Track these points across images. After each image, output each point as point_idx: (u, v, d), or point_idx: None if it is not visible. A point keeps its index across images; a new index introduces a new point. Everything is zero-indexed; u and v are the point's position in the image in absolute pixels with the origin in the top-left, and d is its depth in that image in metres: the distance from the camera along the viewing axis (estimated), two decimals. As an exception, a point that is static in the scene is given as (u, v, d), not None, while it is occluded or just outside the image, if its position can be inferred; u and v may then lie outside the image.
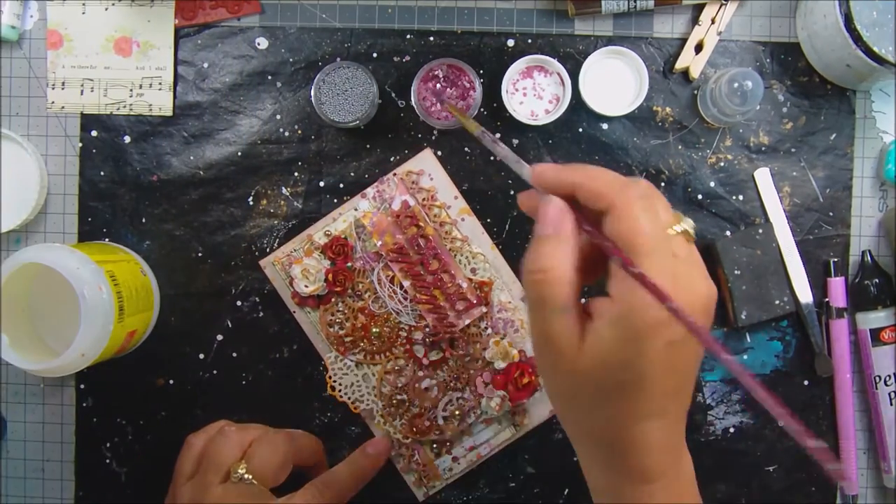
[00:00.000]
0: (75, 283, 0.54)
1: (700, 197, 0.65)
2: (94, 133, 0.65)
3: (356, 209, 0.64)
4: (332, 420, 0.65)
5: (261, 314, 0.65)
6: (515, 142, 0.65)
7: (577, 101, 0.64)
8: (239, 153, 0.65)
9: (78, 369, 0.56)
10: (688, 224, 0.43)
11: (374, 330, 0.63)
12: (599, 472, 0.45)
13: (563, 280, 0.42)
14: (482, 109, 0.65)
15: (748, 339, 0.65)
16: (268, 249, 0.65)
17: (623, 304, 0.40)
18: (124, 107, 0.65)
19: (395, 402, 0.63)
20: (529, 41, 0.65)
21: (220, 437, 0.58)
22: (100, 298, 0.55)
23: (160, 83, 0.65)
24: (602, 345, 0.41)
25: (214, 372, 0.65)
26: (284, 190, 0.65)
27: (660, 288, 0.38)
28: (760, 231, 0.63)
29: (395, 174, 0.64)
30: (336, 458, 0.65)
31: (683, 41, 0.65)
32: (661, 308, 0.39)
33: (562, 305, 0.42)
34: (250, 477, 0.56)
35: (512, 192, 0.65)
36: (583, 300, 0.42)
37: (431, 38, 0.65)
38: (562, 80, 0.63)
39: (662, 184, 0.65)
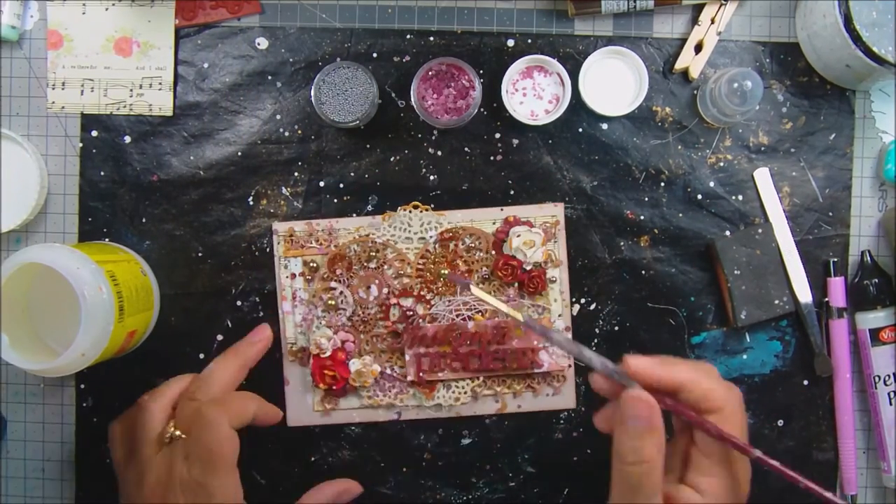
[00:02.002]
0: (75, 283, 0.54)
1: (700, 197, 0.65)
2: (94, 133, 0.65)
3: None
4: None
5: (261, 314, 0.65)
6: (515, 142, 0.65)
7: (576, 101, 0.64)
8: (239, 153, 0.65)
9: (78, 369, 0.56)
10: None
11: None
12: None
13: (658, 468, 0.48)
14: (482, 109, 0.65)
15: (748, 339, 0.65)
16: (267, 249, 0.65)
17: (709, 498, 0.49)
18: (124, 107, 0.65)
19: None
20: (529, 41, 0.65)
21: (138, 411, 0.58)
22: (100, 298, 0.55)
23: (160, 83, 0.65)
24: None
25: (214, 372, 0.65)
26: (284, 190, 0.65)
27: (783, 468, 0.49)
28: (760, 231, 0.63)
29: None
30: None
31: (683, 41, 0.65)
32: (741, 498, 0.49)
33: (655, 492, 0.48)
34: (179, 433, 0.56)
35: (512, 193, 0.65)
36: None
37: (431, 38, 0.65)
38: (562, 80, 0.63)
39: (662, 184, 0.65)
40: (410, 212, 0.64)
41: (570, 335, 0.64)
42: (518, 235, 0.63)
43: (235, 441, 0.55)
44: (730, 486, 0.49)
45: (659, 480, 0.48)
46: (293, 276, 0.64)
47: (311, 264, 0.64)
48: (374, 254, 0.64)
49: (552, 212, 0.65)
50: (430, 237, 0.64)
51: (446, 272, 0.63)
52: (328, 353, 0.63)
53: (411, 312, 0.63)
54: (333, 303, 0.63)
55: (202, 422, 0.54)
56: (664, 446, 0.49)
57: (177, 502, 0.54)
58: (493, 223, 0.64)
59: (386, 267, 0.64)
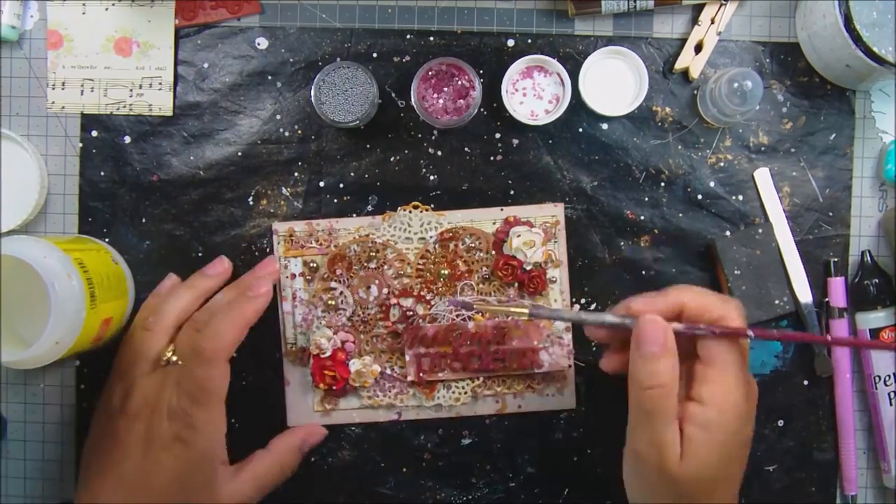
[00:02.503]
0: (43, 271, 0.54)
1: (700, 197, 0.65)
2: (94, 133, 0.65)
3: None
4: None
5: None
6: (515, 142, 0.65)
7: (576, 101, 0.64)
8: (239, 153, 0.65)
9: (55, 359, 0.56)
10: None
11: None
12: None
13: (674, 391, 0.50)
14: (482, 109, 0.65)
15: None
16: (267, 250, 0.65)
17: (716, 406, 0.49)
18: (124, 107, 0.65)
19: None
20: (529, 41, 0.65)
21: (144, 332, 0.60)
22: (69, 286, 0.55)
23: (160, 83, 0.65)
24: (699, 448, 0.49)
25: (214, 372, 0.65)
26: (284, 190, 0.65)
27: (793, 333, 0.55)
28: (760, 231, 0.63)
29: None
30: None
31: (683, 41, 0.65)
32: (744, 410, 0.50)
33: (671, 415, 0.49)
34: (176, 359, 0.58)
35: (512, 193, 0.65)
36: None
37: (431, 38, 0.65)
38: (562, 80, 0.63)
39: (662, 184, 0.65)
40: (410, 212, 0.64)
41: (570, 335, 0.64)
42: (518, 235, 0.63)
43: (226, 377, 0.56)
44: (731, 391, 0.50)
45: (674, 405, 0.50)
46: (293, 276, 0.64)
47: (311, 264, 0.64)
48: (374, 254, 0.64)
49: (552, 212, 0.65)
50: (430, 237, 0.64)
51: (446, 272, 0.63)
52: (328, 354, 0.63)
53: (411, 312, 0.63)
54: (333, 303, 0.63)
55: (199, 357, 0.55)
56: (678, 370, 0.50)
57: (160, 426, 0.55)
58: (494, 223, 0.64)
59: (386, 267, 0.64)
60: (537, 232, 0.63)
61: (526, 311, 0.54)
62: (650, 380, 0.50)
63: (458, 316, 0.63)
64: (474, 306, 0.57)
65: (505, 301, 0.63)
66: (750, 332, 0.50)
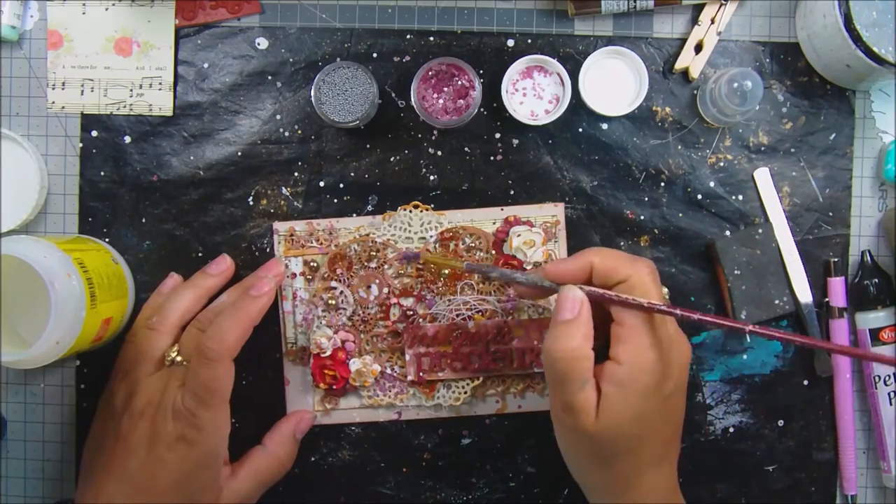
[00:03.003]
0: (43, 271, 0.54)
1: (700, 197, 0.65)
2: (94, 133, 0.65)
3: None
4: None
5: (261, 314, 0.65)
6: (515, 142, 0.65)
7: (576, 101, 0.64)
8: (239, 153, 0.65)
9: (55, 359, 0.56)
10: (665, 291, 0.56)
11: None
12: None
13: (584, 356, 0.51)
14: (482, 109, 0.65)
15: (748, 339, 0.65)
16: (267, 249, 0.65)
17: (631, 365, 0.51)
18: (124, 107, 0.65)
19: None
20: (529, 41, 0.65)
21: (148, 331, 0.60)
22: (69, 285, 0.55)
23: (160, 83, 0.65)
24: (615, 409, 0.50)
25: (214, 372, 0.65)
26: (284, 190, 0.65)
27: (686, 309, 0.51)
28: (760, 231, 0.64)
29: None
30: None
31: (683, 41, 0.65)
32: (660, 367, 0.50)
33: (584, 379, 0.50)
34: (181, 359, 0.58)
35: (512, 193, 0.65)
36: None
37: (431, 38, 0.65)
38: (562, 80, 0.63)
39: (662, 184, 0.65)
40: (411, 212, 0.64)
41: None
42: (518, 235, 0.63)
43: (231, 377, 0.56)
44: (643, 350, 0.51)
45: (587, 369, 0.51)
46: (294, 275, 0.64)
47: (312, 264, 0.64)
48: (374, 253, 0.64)
49: (552, 212, 0.65)
50: (431, 237, 0.64)
51: (446, 272, 0.63)
52: (328, 353, 0.63)
53: (411, 312, 0.63)
54: (334, 302, 0.63)
55: (204, 357, 0.55)
56: (591, 337, 0.51)
57: (165, 426, 0.55)
58: (494, 223, 0.64)
59: (386, 266, 0.64)
60: (537, 232, 0.63)
61: (462, 265, 0.58)
62: (562, 343, 0.51)
63: (458, 315, 0.63)
64: (420, 256, 0.60)
65: (504, 301, 0.64)
66: (650, 304, 0.51)
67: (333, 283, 0.64)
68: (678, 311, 0.51)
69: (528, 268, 0.63)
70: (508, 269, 0.61)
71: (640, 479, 0.52)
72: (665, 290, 0.55)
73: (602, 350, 0.53)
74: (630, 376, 0.50)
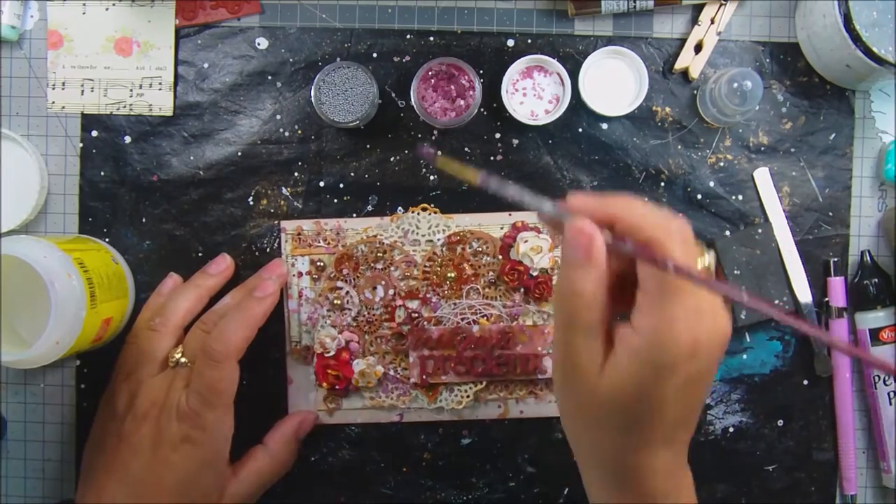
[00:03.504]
0: (43, 271, 0.54)
1: (700, 197, 0.65)
2: (94, 133, 0.65)
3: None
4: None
5: (262, 314, 0.65)
6: (515, 142, 0.65)
7: (576, 101, 0.64)
8: (239, 153, 0.65)
9: (55, 359, 0.56)
10: (709, 260, 0.45)
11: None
12: (604, 492, 0.47)
13: (594, 305, 0.43)
14: (482, 109, 0.65)
15: (748, 339, 0.65)
16: (268, 250, 0.65)
17: (646, 337, 0.42)
18: (124, 107, 0.65)
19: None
20: (529, 41, 0.65)
21: (150, 332, 0.60)
22: (69, 285, 0.55)
23: (160, 83, 0.65)
24: (622, 373, 0.43)
25: (214, 372, 0.65)
26: (284, 190, 0.65)
27: (719, 283, 0.41)
28: (760, 231, 0.64)
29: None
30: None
31: (683, 41, 0.65)
32: (685, 345, 0.41)
33: (589, 328, 0.44)
34: (185, 360, 0.58)
35: (512, 192, 0.65)
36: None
37: (431, 38, 0.65)
38: (562, 80, 0.63)
39: (662, 184, 0.65)
40: (419, 214, 0.64)
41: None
42: (525, 241, 0.63)
43: (236, 378, 0.56)
44: (667, 324, 0.42)
45: (596, 318, 0.44)
46: (300, 274, 0.64)
47: (318, 263, 0.64)
48: (381, 255, 0.64)
49: (560, 218, 0.65)
50: (438, 240, 0.64)
51: (453, 275, 0.63)
52: (332, 353, 0.63)
53: (416, 314, 0.63)
54: (339, 302, 0.63)
55: (209, 359, 0.55)
56: (604, 283, 0.44)
57: (169, 427, 0.55)
58: (501, 228, 0.64)
59: (393, 268, 0.64)
60: (545, 238, 0.63)
61: (478, 177, 0.48)
62: (570, 286, 0.44)
63: (463, 319, 0.63)
64: (436, 159, 0.51)
65: (510, 306, 0.64)
66: (671, 263, 0.41)
67: (339, 284, 0.64)
68: (704, 280, 0.41)
69: (535, 274, 0.63)
70: (518, 188, 0.49)
71: (637, 455, 0.45)
72: (707, 258, 0.45)
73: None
74: (645, 348, 0.42)
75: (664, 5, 0.64)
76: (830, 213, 0.65)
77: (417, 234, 0.64)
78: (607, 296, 0.44)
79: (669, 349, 0.42)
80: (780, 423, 0.65)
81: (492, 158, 0.65)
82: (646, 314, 0.43)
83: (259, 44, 0.65)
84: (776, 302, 0.63)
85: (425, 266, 0.64)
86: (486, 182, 0.48)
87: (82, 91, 0.65)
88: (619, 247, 0.44)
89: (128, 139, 0.65)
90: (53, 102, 0.65)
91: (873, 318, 0.64)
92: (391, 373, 0.64)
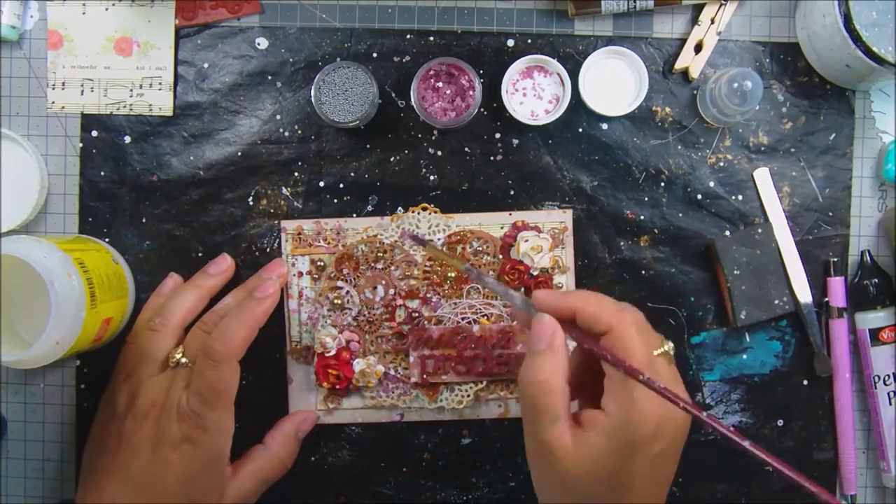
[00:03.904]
0: (43, 271, 0.54)
1: (699, 197, 0.65)
2: (94, 133, 0.65)
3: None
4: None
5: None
6: (515, 142, 0.65)
7: (576, 101, 0.64)
8: (239, 153, 0.65)
9: (55, 359, 0.56)
10: (668, 346, 0.50)
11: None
12: None
13: (557, 390, 0.48)
14: (482, 109, 0.65)
15: (748, 339, 0.65)
16: (268, 249, 0.65)
17: (616, 417, 0.47)
18: (124, 107, 0.65)
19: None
20: (529, 41, 0.65)
21: (151, 333, 0.60)
22: (69, 285, 0.55)
23: (160, 83, 0.65)
24: (594, 452, 0.47)
25: (215, 372, 0.65)
26: (284, 190, 0.65)
27: (669, 390, 0.45)
28: (760, 231, 0.64)
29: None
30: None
31: (683, 41, 0.65)
32: (651, 424, 0.46)
33: (555, 414, 0.48)
34: (186, 360, 0.58)
35: (512, 193, 0.65)
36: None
37: (431, 38, 0.65)
38: (562, 80, 0.63)
39: (662, 184, 0.65)
40: (419, 214, 0.64)
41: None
42: (526, 240, 0.63)
43: (237, 378, 0.57)
44: (634, 405, 0.46)
45: (559, 403, 0.48)
46: (300, 274, 0.64)
47: (319, 263, 0.64)
48: (381, 254, 0.64)
49: (560, 217, 0.65)
50: (438, 239, 0.64)
51: (453, 275, 0.63)
52: (332, 353, 0.63)
53: (417, 314, 0.63)
54: (339, 302, 0.63)
55: (210, 359, 0.55)
56: (565, 369, 0.49)
57: (170, 427, 0.55)
58: (502, 227, 0.64)
59: (393, 268, 0.64)
60: (545, 237, 0.63)
61: (462, 266, 0.55)
62: (532, 375, 0.48)
63: (463, 319, 0.63)
64: (426, 246, 0.57)
65: (510, 305, 0.64)
66: (630, 368, 0.46)
67: (340, 283, 0.64)
68: (658, 385, 0.45)
69: (536, 273, 0.63)
70: (505, 285, 0.57)
71: None
72: (669, 344, 0.50)
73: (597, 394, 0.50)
74: (615, 429, 0.47)
75: (664, 5, 0.64)
76: (830, 213, 0.65)
77: (418, 233, 0.64)
78: (569, 384, 0.49)
79: (638, 427, 0.46)
80: (780, 423, 0.65)
81: (492, 158, 0.65)
82: (614, 397, 0.47)
83: (259, 44, 0.65)
84: (776, 302, 0.63)
85: (425, 266, 0.64)
86: (468, 273, 0.55)
87: (82, 91, 0.65)
88: (582, 343, 0.49)
89: (128, 139, 0.65)
90: (53, 102, 0.65)
91: (873, 318, 0.64)
92: (391, 372, 0.64)
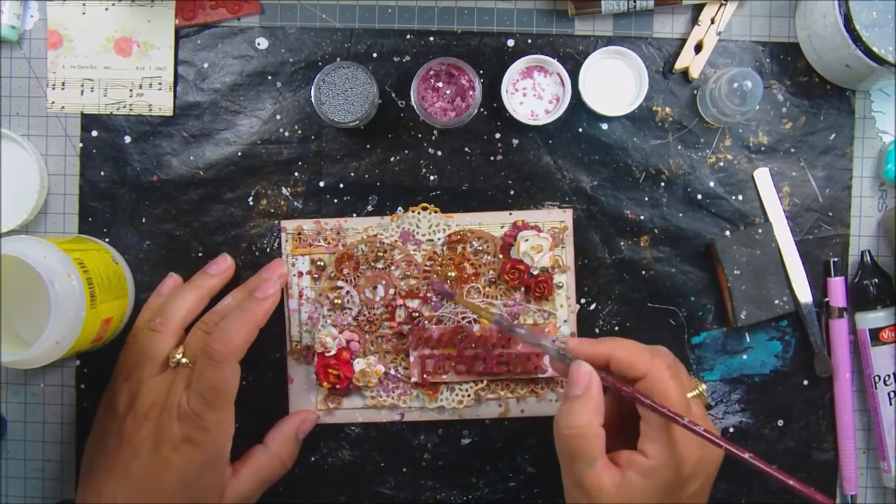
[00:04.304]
0: (42, 271, 0.54)
1: (700, 197, 0.65)
2: (94, 133, 0.65)
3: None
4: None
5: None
6: (515, 142, 0.65)
7: (577, 101, 0.64)
8: (239, 153, 0.65)
9: (55, 359, 0.56)
10: (702, 388, 0.54)
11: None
12: None
13: (594, 434, 0.50)
14: (482, 109, 0.65)
15: (748, 339, 0.65)
16: (268, 249, 0.65)
17: (659, 460, 0.50)
18: (124, 107, 0.65)
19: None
20: (529, 41, 0.65)
21: (151, 333, 0.60)
22: (69, 285, 0.55)
23: (160, 83, 0.65)
24: (635, 493, 0.49)
25: (215, 372, 0.65)
26: (284, 190, 0.65)
27: (710, 432, 0.48)
28: (760, 231, 0.64)
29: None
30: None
31: (683, 41, 0.65)
32: (690, 465, 0.49)
33: (593, 456, 0.50)
34: (186, 361, 0.58)
35: (512, 193, 0.65)
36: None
37: (431, 38, 0.65)
38: (562, 80, 0.63)
39: (662, 184, 0.65)
40: (419, 213, 0.64)
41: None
42: (526, 240, 0.63)
43: (237, 379, 0.57)
44: (672, 448, 0.50)
45: (595, 447, 0.50)
46: (300, 274, 0.64)
47: (319, 263, 0.64)
48: (381, 254, 0.64)
49: (561, 217, 0.65)
50: (438, 239, 0.64)
51: (453, 275, 0.63)
52: (333, 352, 0.63)
53: (417, 314, 0.63)
54: (340, 302, 0.63)
55: (210, 359, 0.55)
56: (601, 413, 0.51)
57: (170, 427, 0.55)
58: (502, 227, 0.64)
59: (393, 268, 0.64)
60: (545, 237, 0.63)
61: (492, 317, 0.58)
62: (569, 420, 0.51)
63: (463, 318, 0.63)
64: (455, 297, 0.60)
65: (510, 305, 0.64)
66: (666, 411, 0.49)
67: (340, 283, 0.64)
68: (699, 429, 0.48)
69: (536, 272, 0.63)
70: (529, 331, 0.60)
71: None
72: (703, 386, 0.54)
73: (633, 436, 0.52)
74: (656, 470, 0.50)
75: (664, 5, 0.64)
76: (830, 213, 0.65)
77: (418, 233, 0.64)
78: (605, 429, 0.51)
79: (679, 468, 0.49)
80: (780, 423, 0.65)
81: (492, 158, 0.65)
82: (653, 440, 0.50)
83: (259, 44, 0.65)
84: (776, 302, 0.63)
85: (426, 265, 0.64)
86: (500, 323, 0.58)
87: (82, 91, 0.65)
88: (620, 389, 0.51)
89: (128, 139, 0.65)
90: (53, 102, 0.65)
91: (873, 318, 0.64)
92: (392, 372, 0.64)
